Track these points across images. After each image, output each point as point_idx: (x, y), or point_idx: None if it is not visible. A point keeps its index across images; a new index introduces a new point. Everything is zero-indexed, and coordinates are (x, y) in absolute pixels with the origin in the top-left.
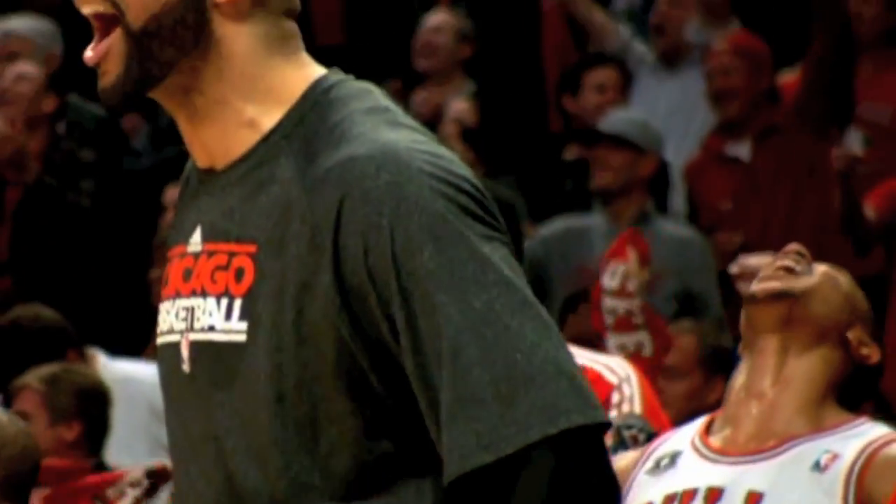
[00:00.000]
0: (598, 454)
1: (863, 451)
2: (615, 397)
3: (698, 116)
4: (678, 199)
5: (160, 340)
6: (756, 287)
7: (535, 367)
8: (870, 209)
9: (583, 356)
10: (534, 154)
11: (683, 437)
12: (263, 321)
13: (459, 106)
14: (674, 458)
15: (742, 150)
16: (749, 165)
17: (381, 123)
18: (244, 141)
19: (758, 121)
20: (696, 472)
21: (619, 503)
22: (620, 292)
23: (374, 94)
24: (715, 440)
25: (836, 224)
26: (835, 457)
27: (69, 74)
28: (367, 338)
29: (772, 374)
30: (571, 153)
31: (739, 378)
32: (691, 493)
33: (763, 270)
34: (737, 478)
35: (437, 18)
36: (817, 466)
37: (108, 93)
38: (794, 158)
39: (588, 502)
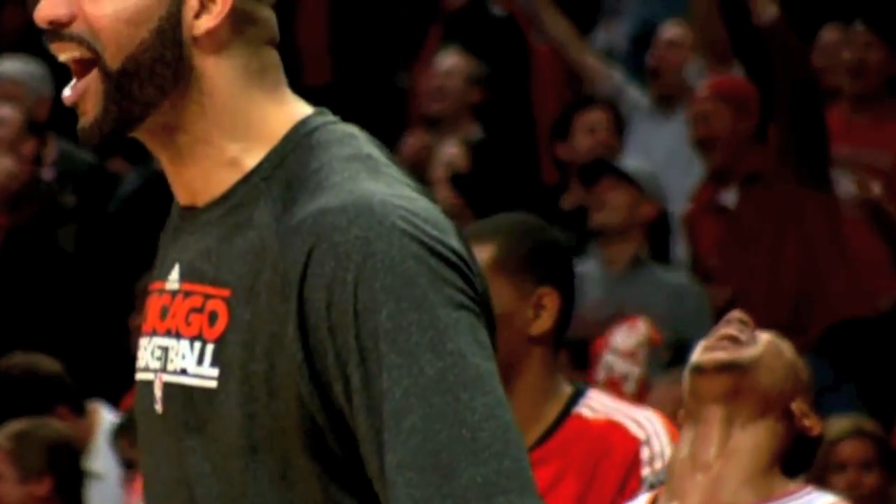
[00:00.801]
0: None
1: None
2: (645, 453)
3: (697, 162)
4: (680, 249)
5: (138, 376)
6: (702, 357)
7: (480, 442)
8: None
9: (609, 406)
10: (527, 203)
11: None
12: (234, 369)
13: (450, 151)
14: None
15: (731, 197)
16: (734, 213)
17: (360, 172)
18: (225, 180)
19: (743, 166)
20: None
21: None
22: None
23: (358, 140)
24: None
25: (819, 275)
26: None
27: (61, 118)
28: (325, 397)
29: (717, 446)
30: (570, 201)
31: (682, 449)
32: None
33: (707, 339)
34: None
35: (448, 61)
36: None
37: (86, 133)
38: (776, 205)
39: None
